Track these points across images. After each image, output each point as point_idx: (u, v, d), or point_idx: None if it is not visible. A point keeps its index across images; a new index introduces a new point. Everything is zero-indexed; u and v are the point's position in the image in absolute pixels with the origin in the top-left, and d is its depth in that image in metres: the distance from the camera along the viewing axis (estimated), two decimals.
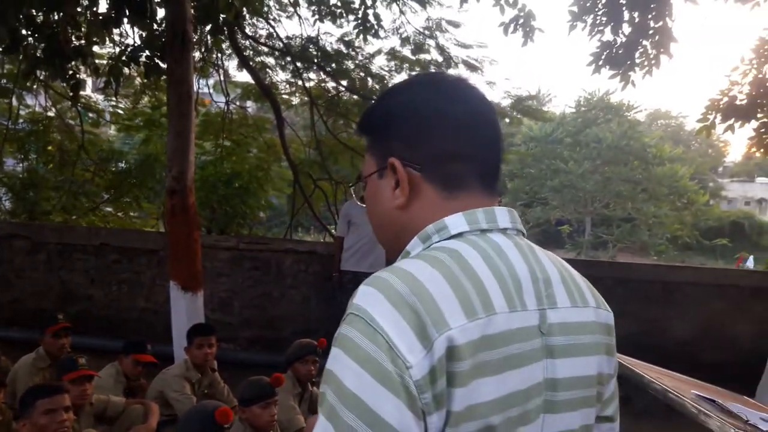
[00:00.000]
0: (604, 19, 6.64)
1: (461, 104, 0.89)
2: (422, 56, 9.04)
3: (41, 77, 7.12)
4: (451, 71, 8.72)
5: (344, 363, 0.72)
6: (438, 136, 0.87)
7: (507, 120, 9.54)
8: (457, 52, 8.72)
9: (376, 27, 8.31)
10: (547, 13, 8.62)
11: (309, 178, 8.44)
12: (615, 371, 0.94)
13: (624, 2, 6.49)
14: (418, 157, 0.87)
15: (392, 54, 9.03)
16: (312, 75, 9.19)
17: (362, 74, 9.03)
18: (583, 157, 29.56)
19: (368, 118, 0.96)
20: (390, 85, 9.13)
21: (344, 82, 8.75)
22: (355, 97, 8.76)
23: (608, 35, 6.66)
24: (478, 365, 0.73)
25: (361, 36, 8.30)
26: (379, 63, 9.15)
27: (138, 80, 8.81)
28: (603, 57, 6.75)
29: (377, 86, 8.90)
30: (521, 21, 6.93)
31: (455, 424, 0.71)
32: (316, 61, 8.56)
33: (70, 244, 6.45)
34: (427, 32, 8.92)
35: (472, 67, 8.67)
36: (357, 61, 9.02)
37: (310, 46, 8.62)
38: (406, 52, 9.01)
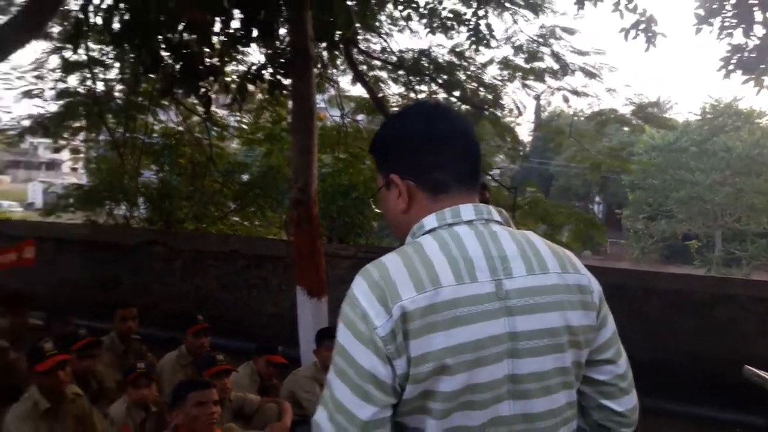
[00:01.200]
0: (734, 21, 6.27)
1: (439, 124, 1.17)
2: (536, 64, 8.92)
3: (176, 94, 7.70)
4: (568, 79, 8.56)
5: (339, 327, 1.06)
6: (423, 152, 1.15)
7: (626, 128, 9.18)
8: (574, 59, 8.52)
9: (488, 37, 8.29)
10: (667, 17, 8.25)
11: None
12: (603, 322, 1.18)
13: (755, 2, 6.10)
14: (410, 170, 1.16)
15: (505, 63, 8.98)
16: (423, 87, 9.33)
17: (474, 84, 9.05)
18: (711, 167, 27.54)
19: (373, 144, 1.25)
20: (503, 94, 9.13)
21: (456, 93, 8.80)
22: (465, 107, 8.79)
23: (738, 38, 6.28)
24: (428, 324, 1.01)
25: (473, 46, 8.31)
26: (492, 72, 9.13)
27: (259, 96, 9.36)
28: (734, 61, 6.37)
29: (490, 96, 8.88)
30: (642, 26, 6.68)
31: (416, 365, 1.01)
32: (428, 73, 8.67)
33: (203, 251, 6.94)
34: (540, 40, 8.80)
35: (589, 74, 8.45)
36: (469, 72, 9.06)
37: (422, 58, 8.76)
38: (519, 60, 8.93)
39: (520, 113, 9.76)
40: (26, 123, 10.06)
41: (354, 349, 1.03)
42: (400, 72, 8.98)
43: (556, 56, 8.67)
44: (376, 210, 8.91)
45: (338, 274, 6.48)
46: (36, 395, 3.17)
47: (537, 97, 10.14)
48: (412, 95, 9.05)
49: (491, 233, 1.12)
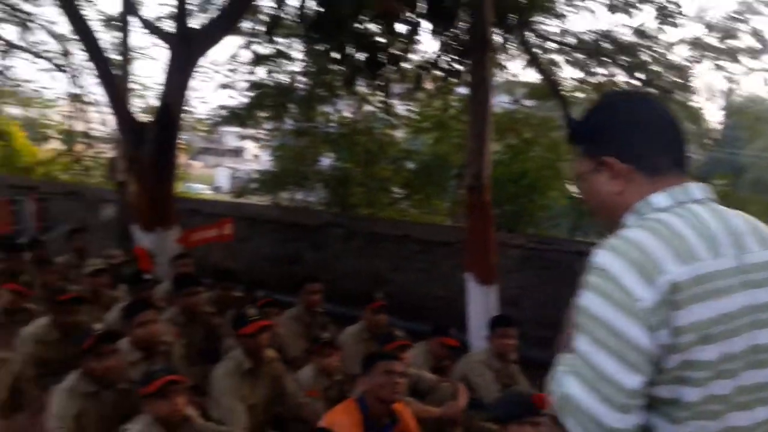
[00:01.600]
0: None
1: (652, 111, 1.25)
2: (731, 43, 8.14)
3: (356, 84, 8.08)
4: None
5: (590, 299, 1.11)
6: (642, 136, 1.22)
7: None
8: None
9: (676, 15, 7.70)
10: None
11: None
12: None
13: None
14: (628, 153, 1.22)
15: (695, 43, 8.29)
16: (602, 70, 8.90)
17: (659, 66, 8.46)
18: None
19: (581, 131, 1.33)
20: (689, 76, 8.45)
21: (639, 75, 8.28)
22: (650, 90, 8.24)
23: None
24: (693, 296, 1.07)
25: (658, 25, 7.78)
26: (680, 53, 8.47)
27: (429, 85, 9.52)
28: None
29: (677, 78, 8.26)
30: None
31: (680, 335, 1.06)
32: (608, 54, 8.25)
33: (378, 234, 7.26)
34: (738, 16, 8.00)
35: None
36: (654, 53, 8.49)
37: (602, 39, 8.35)
38: (711, 39, 8.21)
39: (712, 97, 8.97)
40: (221, 113, 11.15)
41: (616, 320, 1.07)
42: (577, 55, 8.63)
43: (755, 33, 7.86)
44: (548, 201, 8.71)
45: (506, 263, 6.43)
46: (240, 356, 3.56)
47: (730, 79, 9.27)
48: (590, 78, 8.68)
49: (720, 211, 1.19)
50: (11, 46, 11.41)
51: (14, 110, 15.34)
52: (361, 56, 6.14)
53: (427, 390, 3.97)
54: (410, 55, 8.00)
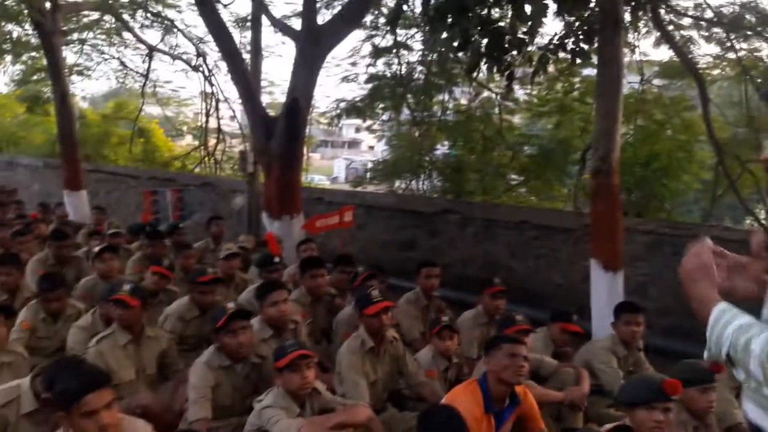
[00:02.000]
0: None
1: None
2: None
3: (478, 71, 7.98)
4: None
5: None
6: None
7: None
8: None
9: None
10: None
11: (735, 160, 7.58)
12: None
13: None
14: None
15: None
16: (744, 45, 8.20)
17: None
18: None
19: None
20: None
21: None
22: None
23: None
24: None
25: None
26: None
27: (552, 67, 9.21)
28: None
29: None
30: None
31: None
32: (751, 27, 7.59)
33: (494, 220, 7.19)
34: None
35: None
36: None
37: (744, 11, 7.68)
38: None
39: None
40: (341, 105, 11.47)
41: None
42: (715, 29, 8.01)
43: None
44: (681, 186, 8.17)
45: (633, 249, 6.14)
46: (364, 335, 3.68)
47: None
48: (729, 54, 8.03)
49: None
50: (153, 49, 12.41)
51: (154, 109, 16.69)
52: (484, 42, 6.05)
53: (548, 375, 3.91)
54: (535, 39, 7.80)
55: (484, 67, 6.00)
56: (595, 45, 5.58)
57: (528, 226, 6.96)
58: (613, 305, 4.42)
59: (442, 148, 11.51)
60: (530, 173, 9.91)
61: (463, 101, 11.23)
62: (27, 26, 11.21)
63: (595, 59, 5.88)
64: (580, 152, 8.19)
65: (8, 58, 13.49)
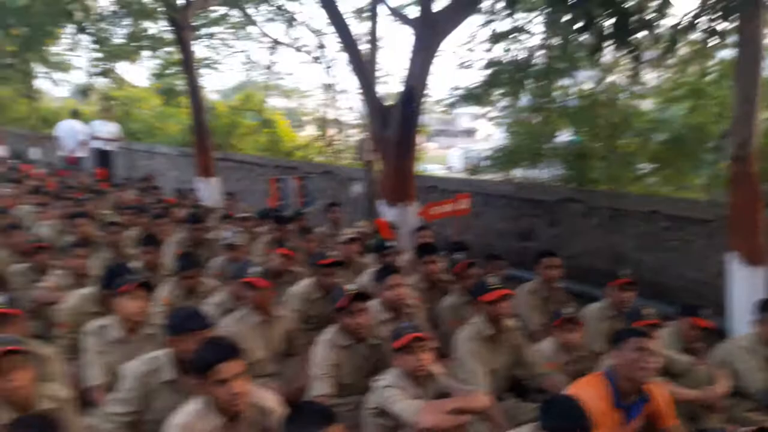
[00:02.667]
0: None
1: None
2: None
3: (601, 54, 7.61)
4: None
5: None
6: None
7: None
8: None
9: None
10: None
11: None
12: None
13: None
14: None
15: None
16: None
17: None
18: None
19: None
20: None
21: None
22: None
23: None
24: None
25: None
26: None
27: (683, 49, 8.59)
28: None
29: None
30: None
31: None
32: None
33: (621, 210, 6.84)
34: None
35: None
36: None
37: None
38: None
39: None
40: (457, 93, 11.37)
41: None
42: None
43: None
44: None
45: None
46: (481, 322, 3.65)
47: None
48: None
49: None
50: (276, 43, 12.95)
51: (278, 101, 17.43)
52: (609, 23, 5.75)
53: (680, 372, 3.68)
54: (665, 18, 7.31)
55: (608, 49, 5.69)
56: (733, 24, 5.14)
57: (659, 217, 6.55)
58: (753, 302, 4.07)
59: (563, 135, 11.10)
60: (661, 161, 9.31)
61: (587, 86, 10.75)
62: (162, 23, 12.07)
63: (731, 40, 5.44)
64: (716, 139, 7.60)
65: (146, 53, 14.60)
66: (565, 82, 10.25)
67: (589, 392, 2.77)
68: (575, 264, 6.96)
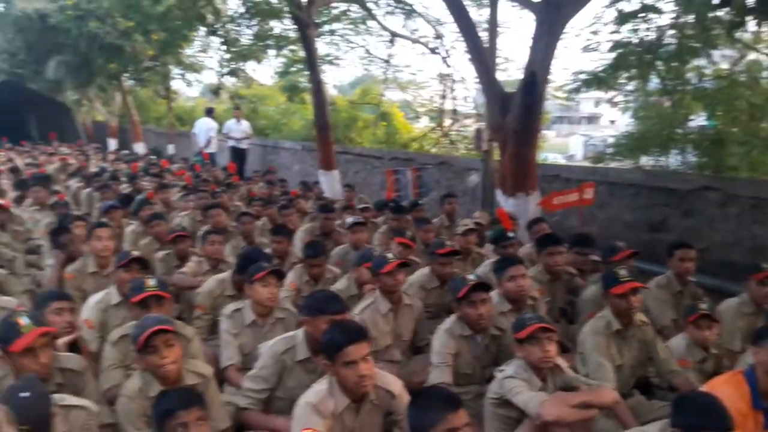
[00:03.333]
0: None
1: None
2: None
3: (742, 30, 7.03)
4: None
5: None
6: None
7: None
8: None
9: None
10: None
11: None
12: None
13: None
14: None
15: None
16: None
17: None
18: None
19: None
20: None
21: None
22: None
23: None
24: None
25: None
26: None
27: None
28: None
29: None
30: None
31: None
32: None
33: (765, 199, 6.29)
34: None
35: None
36: None
37: None
38: None
39: None
40: (581, 77, 10.91)
41: None
42: None
43: None
44: None
45: None
46: (609, 315, 3.52)
47: None
48: None
49: None
50: (394, 35, 13.09)
51: (394, 94, 17.63)
52: None
53: None
54: None
55: (750, 24, 5.24)
56: None
57: None
58: None
59: (697, 119, 10.35)
60: None
61: (724, 65, 9.95)
62: (286, 22, 12.58)
63: None
64: None
65: (272, 52, 15.29)
66: (700, 62, 9.54)
67: (726, 391, 2.60)
68: (710, 257, 6.51)
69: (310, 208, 8.49)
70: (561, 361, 3.11)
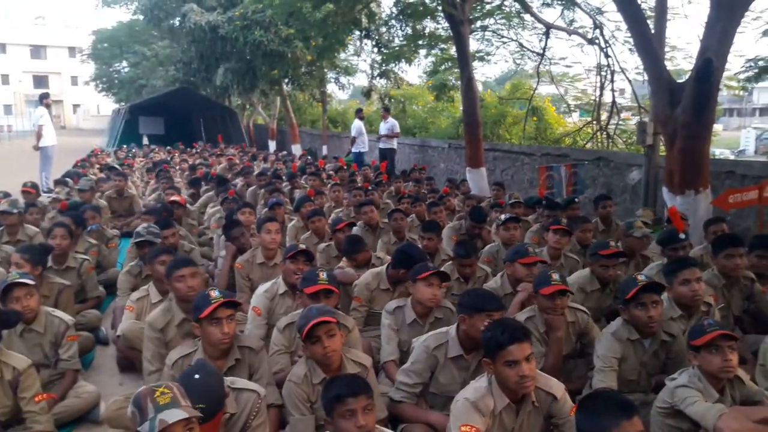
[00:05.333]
0: None
1: None
2: None
3: None
4: None
5: None
6: None
7: None
8: None
9: None
10: None
11: None
12: None
13: None
14: None
15: None
16: None
17: None
18: None
19: None
20: None
21: None
22: None
23: None
24: None
25: None
26: None
27: None
28: None
29: None
30: None
31: None
32: None
33: None
34: None
35: None
36: None
37: None
38: None
39: None
40: (759, 65, 9.89)
41: None
42: None
43: None
44: None
45: None
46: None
47: None
48: None
49: None
50: (550, 27, 12.64)
51: (545, 88, 17.06)
52: None
53: None
54: None
55: None
56: None
57: None
58: None
59: None
60: None
61: None
62: (439, 20, 12.65)
63: None
64: None
65: (422, 52, 15.46)
66: None
67: None
68: None
69: (458, 206, 8.47)
70: (742, 373, 2.84)
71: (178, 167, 14.00)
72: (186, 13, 18.74)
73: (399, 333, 3.80)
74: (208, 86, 22.54)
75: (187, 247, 5.96)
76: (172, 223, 5.81)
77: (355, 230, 6.05)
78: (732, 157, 21.07)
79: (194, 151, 19.31)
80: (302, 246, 4.25)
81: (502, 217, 5.74)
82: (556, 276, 3.52)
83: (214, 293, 3.05)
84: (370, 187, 8.97)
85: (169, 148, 20.21)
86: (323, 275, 3.48)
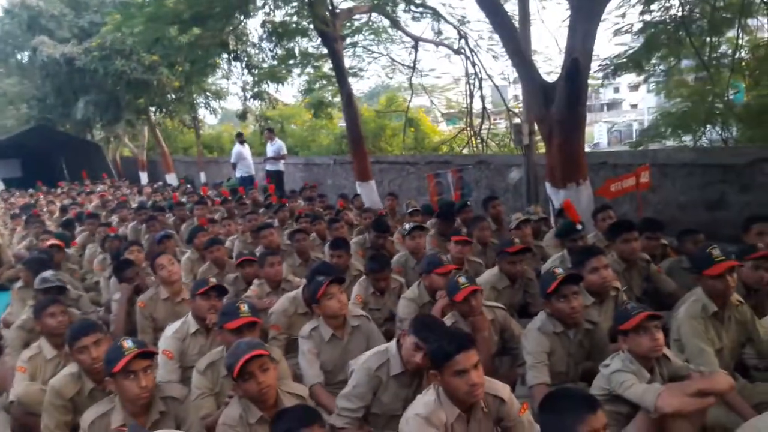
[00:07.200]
0: None
1: None
2: None
3: None
4: None
5: None
6: None
7: None
8: None
9: None
10: None
11: None
12: None
13: None
14: None
15: None
16: None
17: None
18: None
19: None
20: None
21: None
22: None
23: None
24: None
25: None
26: None
27: None
28: None
29: None
30: None
31: None
32: None
33: None
34: None
35: None
36: None
37: None
38: None
39: None
40: (611, 62, 10.72)
41: None
42: None
43: None
44: None
45: None
46: (704, 299, 3.37)
47: None
48: None
49: None
50: (418, 40, 13.03)
51: (419, 99, 17.54)
52: None
53: None
54: None
55: None
56: None
57: None
58: None
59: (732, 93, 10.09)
60: None
61: (762, 34, 9.71)
62: (312, 38, 12.61)
63: None
64: None
65: (296, 71, 15.34)
66: (737, 32, 9.32)
67: None
68: None
69: (355, 220, 8.45)
70: (667, 351, 2.99)
71: (45, 209, 12.88)
72: (37, 47, 17.42)
73: (320, 354, 3.68)
74: (67, 121, 21.06)
75: (74, 294, 5.45)
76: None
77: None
78: (588, 151, 22.80)
79: (60, 191, 17.87)
80: (213, 280, 4.00)
81: (407, 226, 5.77)
82: (462, 279, 3.59)
83: (127, 343, 2.77)
84: (260, 211, 8.72)
85: (31, 191, 18.53)
86: (244, 307, 3.28)
